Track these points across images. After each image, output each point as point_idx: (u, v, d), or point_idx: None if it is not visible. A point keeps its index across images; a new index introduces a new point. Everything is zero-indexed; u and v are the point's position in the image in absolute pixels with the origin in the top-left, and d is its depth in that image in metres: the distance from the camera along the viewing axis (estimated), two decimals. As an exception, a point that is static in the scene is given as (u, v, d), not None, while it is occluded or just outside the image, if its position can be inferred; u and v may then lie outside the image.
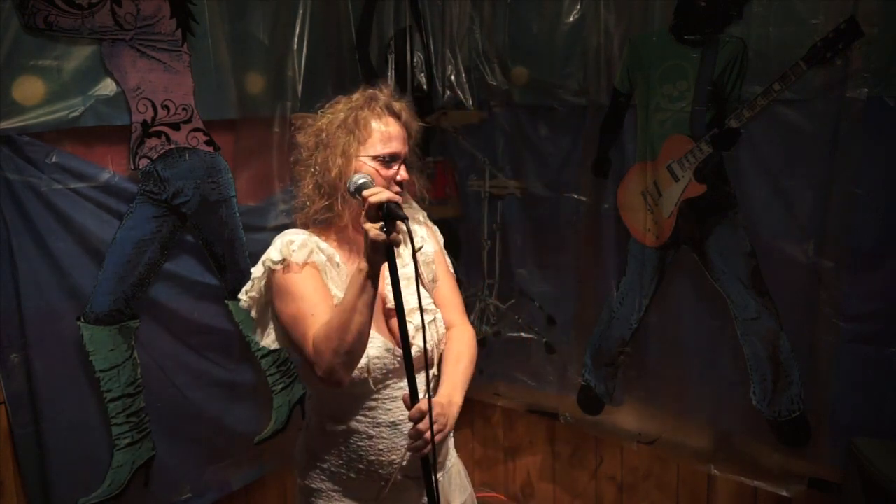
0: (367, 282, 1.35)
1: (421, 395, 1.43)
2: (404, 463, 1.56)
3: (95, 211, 1.98)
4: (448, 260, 1.77)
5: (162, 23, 2.06)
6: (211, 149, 2.22)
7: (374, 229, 1.31)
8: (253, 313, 1.61)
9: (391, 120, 1.56)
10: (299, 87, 2.41)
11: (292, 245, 1.52)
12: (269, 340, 1.64)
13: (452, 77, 2.85)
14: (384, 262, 1.35)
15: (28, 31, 1.80)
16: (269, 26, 2.34)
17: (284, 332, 1.55)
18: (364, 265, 1.35)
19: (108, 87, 1.97)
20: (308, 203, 1.58)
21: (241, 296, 1.60)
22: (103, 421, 2.04)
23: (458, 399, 1.54)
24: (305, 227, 1.61)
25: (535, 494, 3.13)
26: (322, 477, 1.64)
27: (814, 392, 2.22)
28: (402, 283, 1.51)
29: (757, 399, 2.33)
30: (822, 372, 2.19)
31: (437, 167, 2.96)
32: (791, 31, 2.08)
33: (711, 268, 2.36)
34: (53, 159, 1.87)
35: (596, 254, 2.66)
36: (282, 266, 1.50)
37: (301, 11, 2.40)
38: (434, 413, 1.39)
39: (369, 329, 1.41)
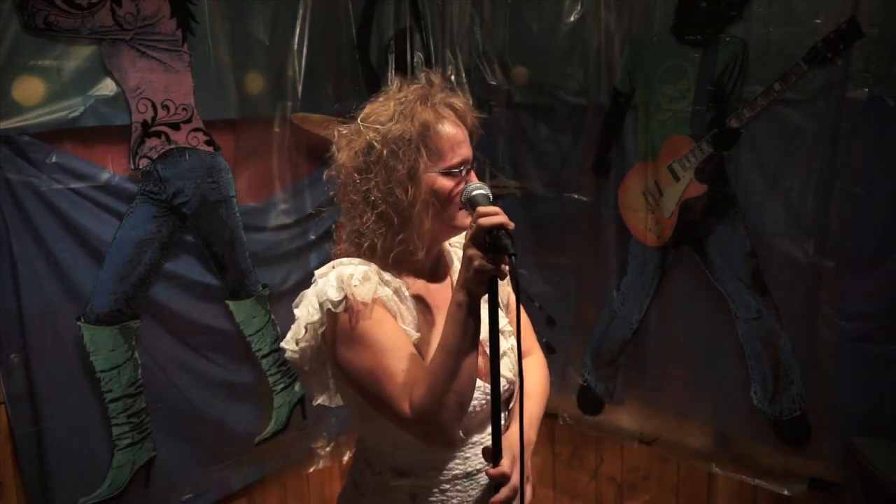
0: (469, 317, 1.15)
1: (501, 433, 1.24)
2: None
3: (95, 211, 1.97)
4: None
5: (162, 23, 2.05)
6: (211, 149, 2.22)
7: (479, 258, 1.11)
8: (305, 367, 1.33)
9: (455, 120, 1.31)
10: (299, 87, 2.41)
11: (353, 279, 1.25)
12: (329, 400, 1.39)
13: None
14: (486, 293, 1.16)
15: (28, 31, 1.80)
16: (270, 26, 2.34)
17: (356, 386, 1.29)
18: (463, 297, 1.15)
19: (108, 87, 1.96)
20: (374, 239, 1.30)
21: (287, 345, 1.31)
22: (103, 421, 2.04)
23: (532, 437, 1.41)
24: (354, 255, 1.33)
25: (534, 495, 3.10)
26: None
27: (815, 391, 2.22)
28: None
29: (758, 398, 2.33)
30: (822, 371, 2.19)
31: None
32: (792, 31, 2.08)
33: (712, 267, 2.36)
34: (53, 159, 1.87)
35: (596, 254, 2.66)
36: (344, 307, 1.24)
37: (301, 11, 2.40)
38: (508, 462, 1.25)
39: (477, 371, 1.21)
